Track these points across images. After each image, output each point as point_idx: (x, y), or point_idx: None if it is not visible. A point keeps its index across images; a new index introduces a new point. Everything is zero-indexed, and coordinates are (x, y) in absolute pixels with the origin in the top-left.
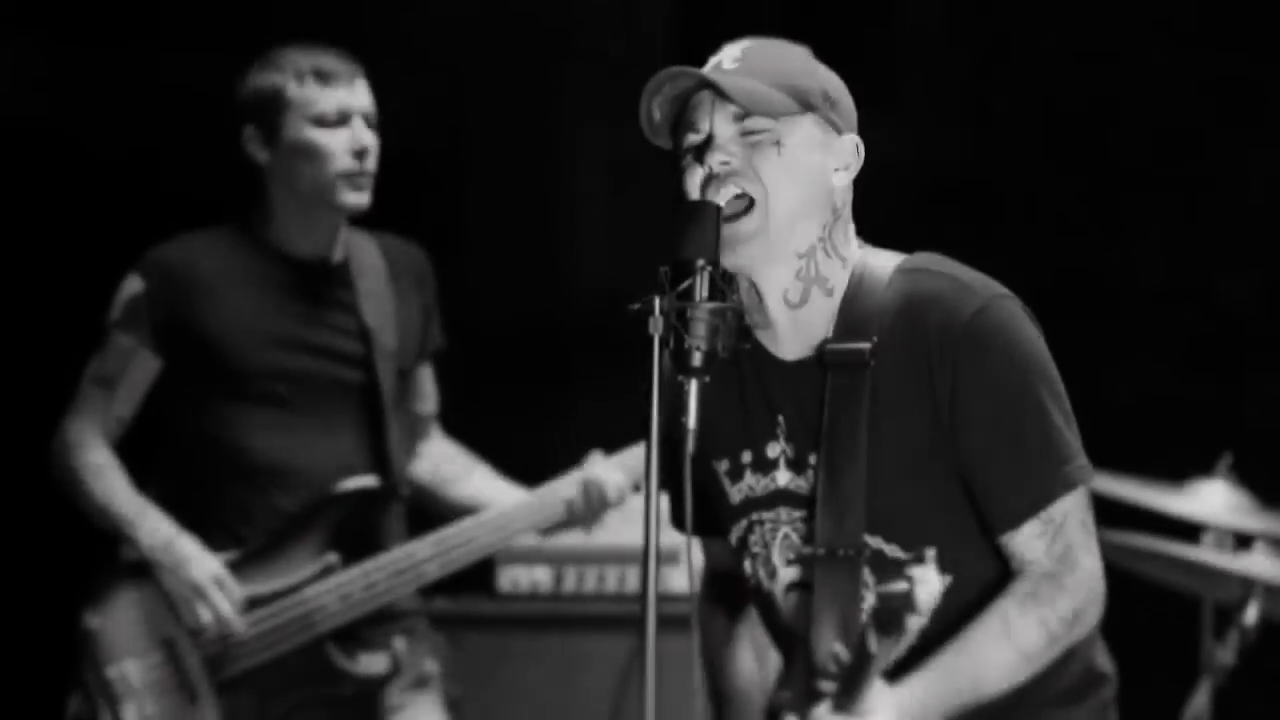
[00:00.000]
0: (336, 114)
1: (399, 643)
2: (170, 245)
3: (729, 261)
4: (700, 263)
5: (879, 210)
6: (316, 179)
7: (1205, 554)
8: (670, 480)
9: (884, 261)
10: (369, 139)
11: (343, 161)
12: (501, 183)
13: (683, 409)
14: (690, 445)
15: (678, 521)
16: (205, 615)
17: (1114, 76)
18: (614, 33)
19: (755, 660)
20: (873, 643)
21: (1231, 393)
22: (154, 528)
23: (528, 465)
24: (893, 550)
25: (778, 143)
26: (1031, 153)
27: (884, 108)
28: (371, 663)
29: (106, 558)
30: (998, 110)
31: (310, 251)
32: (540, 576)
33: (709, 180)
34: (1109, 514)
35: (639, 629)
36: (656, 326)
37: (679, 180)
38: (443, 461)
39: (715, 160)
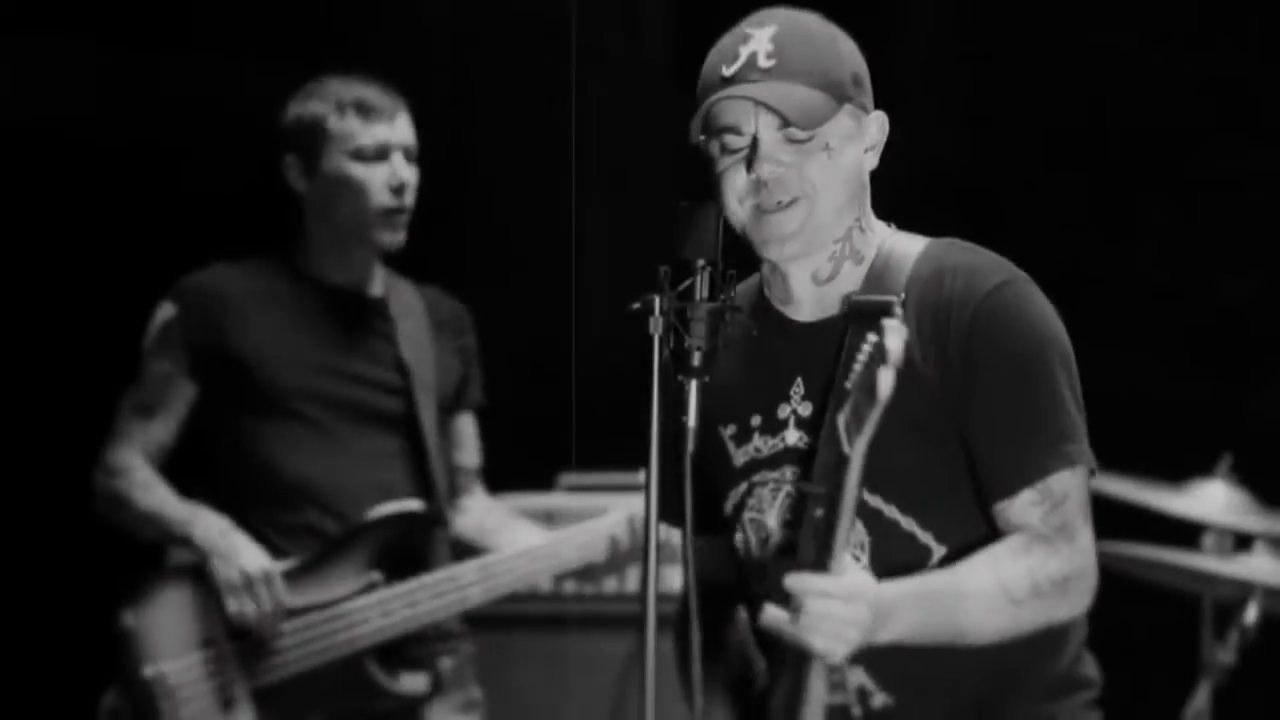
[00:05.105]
0: (376, 149)
1: (445, 663)
2: (203, 272)
3: (774, 255)
4: (700, 263)
5: (879, 210)
6: (353, 213)
7: (1205, 560)
8: (668, 477)
9: (912, 238)
10: (407, 175)
11: (380, 197)
12: (501, 181)
13: (683, 409)
14: (690, 445)
15: (668, 515)
16: (248, 607)
17: (1114, 77)
18: (613, 29)
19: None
20: (844, 442)
21: (1232, 393)
22: (209, 520)
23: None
24: (890, 511)
25: (826, 146)
26: (1032, 153)
27: (884, 108)
28: (412, 681)
29: (149, 557)
30: (998, 110)
31: (347, 281)
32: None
33: (757, 186)
34: (1109, 515)
35: (639, 629)
36: (656, 326)
37: (712, 175)
38: (486, 514)
39: (765, 170)
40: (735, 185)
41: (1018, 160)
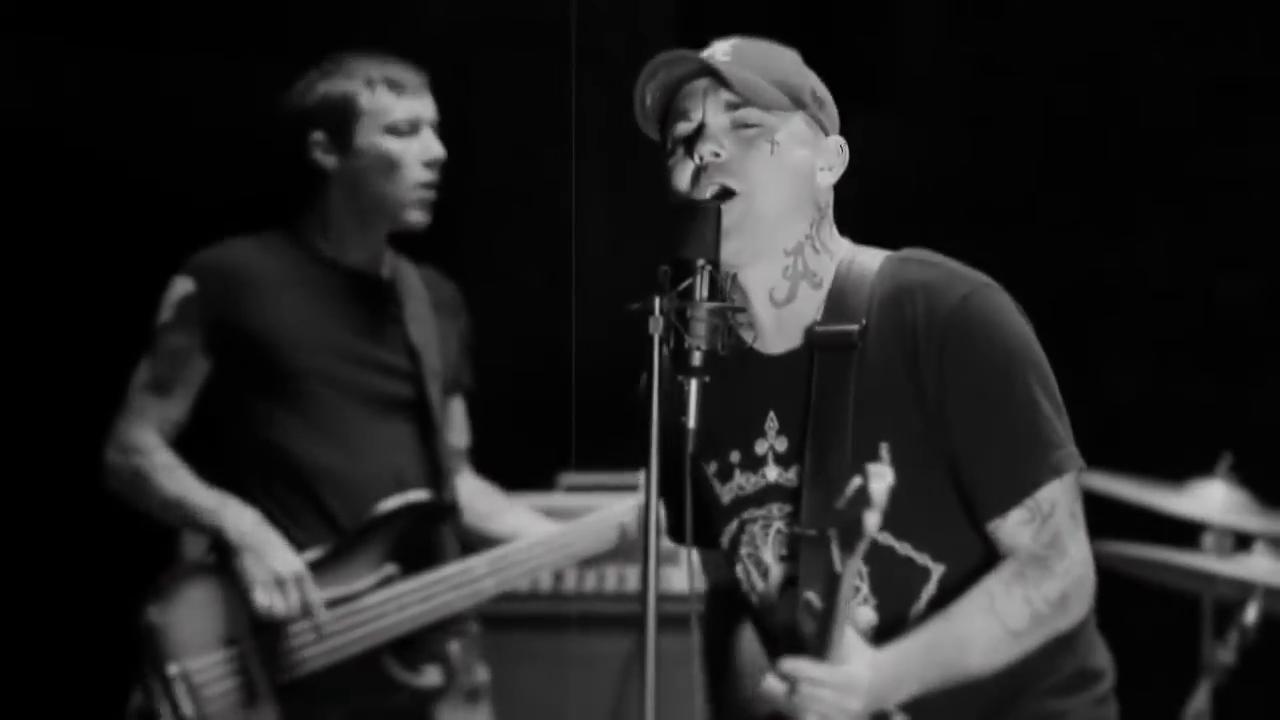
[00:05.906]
0: (409, 123)
1: (454, 646)
2: (219, 247)
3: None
4: (700, 262)
5: (879, 211)
6: (389, 189)
7: (1205, 560)
8: (668, 491)
9: (872, 254)
10: (439, 149)
11: (415, 172)
12: (501, 181)
13: (682, 409)
14: (690, 445)
15: (674, 534)
16: (279, 606)
17: (1114, 77)
18: (613, 31)
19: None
20: (837, 560)
21: (1232, 393)
22: (239, 512)
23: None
24: (885, 538)
25: (771, 139)
26: (1032, 153)
27: (884, 109)
28: (427, 674)
29: (169, 552)
30: (998, 111)
31: (362, 262)
32: (540, 576)
33: (699, 173)
34: (1109, 515)
35: (639, 629)
36: (656, 326)
37: (666, 170)
38: (477, 496)
39: (706, 150)
40: (681, 174)
41: (1018, 161)
